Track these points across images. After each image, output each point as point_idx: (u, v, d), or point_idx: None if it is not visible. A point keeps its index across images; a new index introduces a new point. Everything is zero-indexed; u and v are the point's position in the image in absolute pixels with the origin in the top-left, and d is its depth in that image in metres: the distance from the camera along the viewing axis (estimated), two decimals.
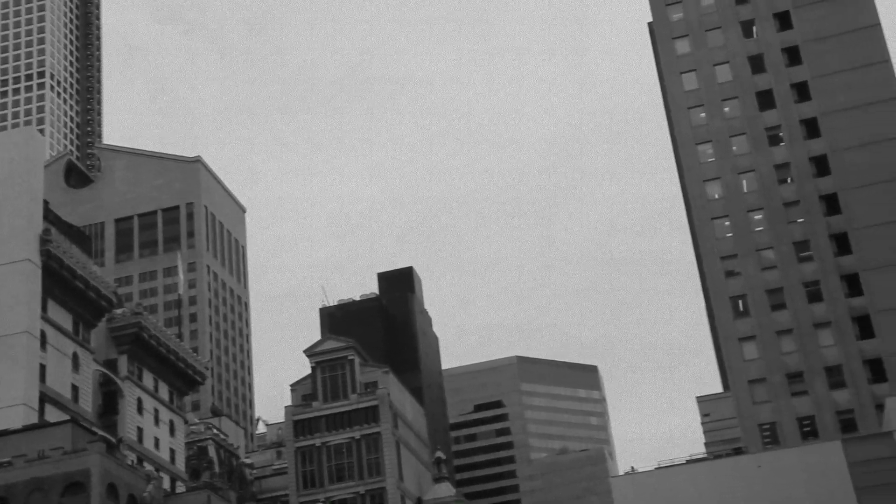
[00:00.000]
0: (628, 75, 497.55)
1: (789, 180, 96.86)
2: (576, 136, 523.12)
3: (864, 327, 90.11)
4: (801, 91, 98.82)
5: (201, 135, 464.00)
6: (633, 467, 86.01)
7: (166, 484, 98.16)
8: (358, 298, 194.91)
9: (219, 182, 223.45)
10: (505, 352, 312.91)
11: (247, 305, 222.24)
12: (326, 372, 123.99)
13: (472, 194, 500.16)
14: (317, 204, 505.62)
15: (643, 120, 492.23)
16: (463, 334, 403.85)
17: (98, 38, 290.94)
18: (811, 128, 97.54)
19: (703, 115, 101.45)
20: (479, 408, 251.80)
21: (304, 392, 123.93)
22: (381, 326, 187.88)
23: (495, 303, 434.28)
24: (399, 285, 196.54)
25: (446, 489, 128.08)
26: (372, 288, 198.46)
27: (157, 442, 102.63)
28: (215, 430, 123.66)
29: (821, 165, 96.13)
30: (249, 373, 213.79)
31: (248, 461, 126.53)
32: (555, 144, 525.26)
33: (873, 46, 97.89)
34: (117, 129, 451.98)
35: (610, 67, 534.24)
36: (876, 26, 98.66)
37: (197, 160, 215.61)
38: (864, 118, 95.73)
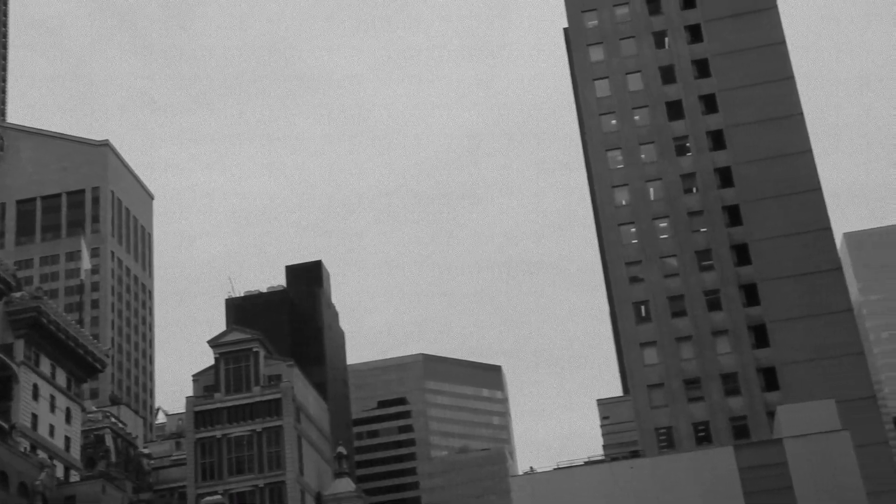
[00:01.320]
0: (542, 79, 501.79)
1: (694, 190, 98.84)
2: (486, 137, 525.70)
3: (760, 336, 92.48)
4: (709, 103, 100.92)
5: (110, 118, 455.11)
6: (532, 467, 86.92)
7: (60, 472, 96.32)
8: (265, 290, 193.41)
9: (127, 167, 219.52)
10: (410, 349, 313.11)
11: (151, 293, 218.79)
12: (230, 363, 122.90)
13: (379, 191, 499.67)
14: (225, 194, 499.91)
15: (556, 124, 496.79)
16: (369, 330, 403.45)
17: (4, 14, 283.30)
18: (717, 139, 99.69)
19: (613, 122, 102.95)
20: (382, 404, 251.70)
21: (206, 383, 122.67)
22: (288, 319, 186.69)
23: (402, 300, 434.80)
24: (307, 279, 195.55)
25: (346, 484, 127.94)
26: (280, 281, 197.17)
27: (52, 429, 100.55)
28: (113, 419, 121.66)
29: (725, 177, 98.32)
30: (151, 362, 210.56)
31: (145, 451, 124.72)
32: (467, 144, 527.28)
33: (778, 63, 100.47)
34: (23, 107, 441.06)
35: (524, 71, 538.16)
36: (781, 44, 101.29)
37: (105, 144, 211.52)
38: (767, 132, 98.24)
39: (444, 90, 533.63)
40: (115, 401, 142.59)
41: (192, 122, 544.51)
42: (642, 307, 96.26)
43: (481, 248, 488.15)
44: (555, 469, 75.73)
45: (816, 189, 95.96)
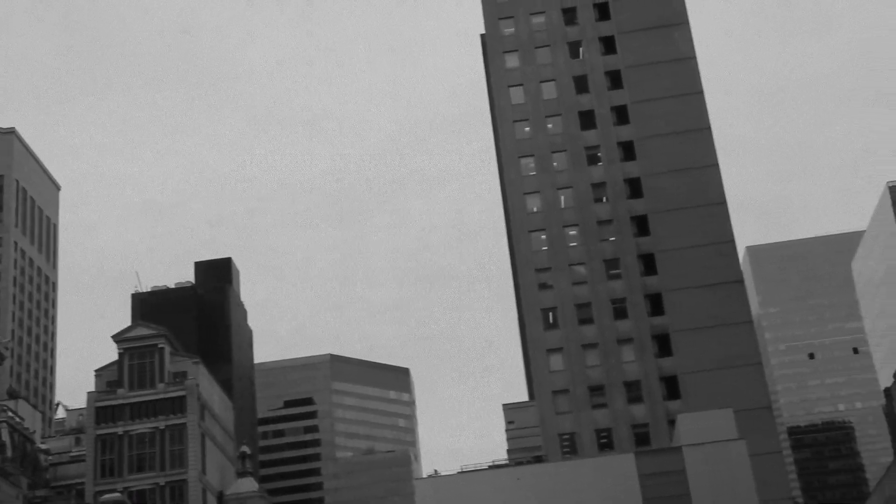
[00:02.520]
0: (460, 83, 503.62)
1: (604, 199, 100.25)
2: (403, 139, 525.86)
3: (663, 345, 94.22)
4: (621, 114, 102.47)
5: (16, 105, 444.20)
6: (436, 470, 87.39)
7: None
8: (173, 286, 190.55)
9: (33, 156, 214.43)
10: (319, 349, 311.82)
11: (55, 286, 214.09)
12: (135, 359, 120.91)
13: (291, 189, 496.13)
14: (135, 185, 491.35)
15: (472, 128, 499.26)
16: (278, 329, 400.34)
17: None
18: (628, 150, 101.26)
19: (527, 129, 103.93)
20: (288, 404, 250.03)
21: (109, 378, 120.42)
22: (195, 316, 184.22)
23: (311, 299, 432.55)
24: (216, 276, 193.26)
25: (249, 484, 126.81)
26: (189, 277, 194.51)
27: None
28: (10, 413, 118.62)
29: (634, 187, 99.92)
30: (52, 355, 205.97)
31: (43, 447, 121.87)
32: (383, 145, 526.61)
33: (688, 77, 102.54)
34: None
35: (441, 74, 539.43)
36: (692, 59, 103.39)
37: (11, 131, 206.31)
38: (676, 145, 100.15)
39: (361, 90, 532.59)
40: (13, 395, 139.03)
41: (101, 110, 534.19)
42: (550, 314, 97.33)
43: (394, 249, 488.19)
44: (459, 472, 76.18)
45: (721, 203, 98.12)
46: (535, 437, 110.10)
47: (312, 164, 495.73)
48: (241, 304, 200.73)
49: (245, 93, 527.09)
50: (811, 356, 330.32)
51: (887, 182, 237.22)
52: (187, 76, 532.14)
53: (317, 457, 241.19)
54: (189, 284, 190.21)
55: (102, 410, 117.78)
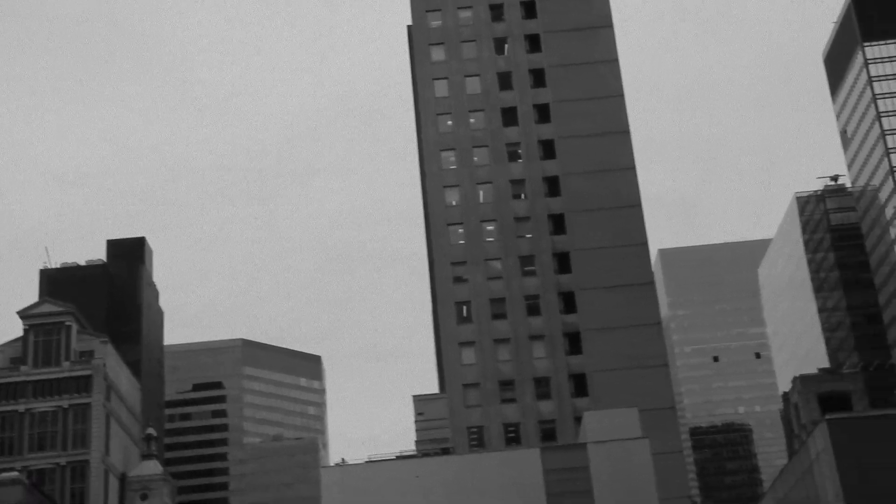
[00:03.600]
0: (386, 68, 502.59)
1: (523, 196, 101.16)
2: (324, 119, 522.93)
3: (574, 343, 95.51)
4: (543, 113, 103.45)
5: None
6: (343, 459, 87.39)
7: None
8: (83, 263, 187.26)
9: None
10: (230, 333, 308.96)
11: None
12: (40, 336, 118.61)
13: (208, 165, 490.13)
14: (48, 156, 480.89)
15: (395, 114, 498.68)
16: (190, 310, 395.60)
17: None
18: (548, 149, 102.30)
19: (449, 122, 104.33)
20: (197, 387, 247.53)
21: (13, 355, 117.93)
22: (106, 295, 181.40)
23: (224, 282, 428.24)
24: (129, 255, 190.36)
25: (153, 467, 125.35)
26: (100, 254, 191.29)
27: None
28: None
29: (552, 186, 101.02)
30: None
31: None
32: (304, 124, 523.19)
33: (610, 80, 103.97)
34: None
35: (367, 62, 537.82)
36: (614, 61, 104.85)
37: None
38: (595, 146, 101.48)
39: (283, 69, 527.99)
40: None
41: (9, 76, 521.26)
42: (464, 307, 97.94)
43: (311, 232, 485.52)
44: (366, 462, 76.30)
45: (636, 205, 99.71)
46: (444, 429, 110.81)
47: (229, 141, 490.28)
48: (152, 285, 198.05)
49: (164, 65, 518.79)
50: (715, 359, 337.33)
51: (795, 193, 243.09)
52: (105, 46, 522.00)
53: (224, 441, 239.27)
54: (100, 262, 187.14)
55: (4, 387, 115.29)
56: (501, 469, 71.29)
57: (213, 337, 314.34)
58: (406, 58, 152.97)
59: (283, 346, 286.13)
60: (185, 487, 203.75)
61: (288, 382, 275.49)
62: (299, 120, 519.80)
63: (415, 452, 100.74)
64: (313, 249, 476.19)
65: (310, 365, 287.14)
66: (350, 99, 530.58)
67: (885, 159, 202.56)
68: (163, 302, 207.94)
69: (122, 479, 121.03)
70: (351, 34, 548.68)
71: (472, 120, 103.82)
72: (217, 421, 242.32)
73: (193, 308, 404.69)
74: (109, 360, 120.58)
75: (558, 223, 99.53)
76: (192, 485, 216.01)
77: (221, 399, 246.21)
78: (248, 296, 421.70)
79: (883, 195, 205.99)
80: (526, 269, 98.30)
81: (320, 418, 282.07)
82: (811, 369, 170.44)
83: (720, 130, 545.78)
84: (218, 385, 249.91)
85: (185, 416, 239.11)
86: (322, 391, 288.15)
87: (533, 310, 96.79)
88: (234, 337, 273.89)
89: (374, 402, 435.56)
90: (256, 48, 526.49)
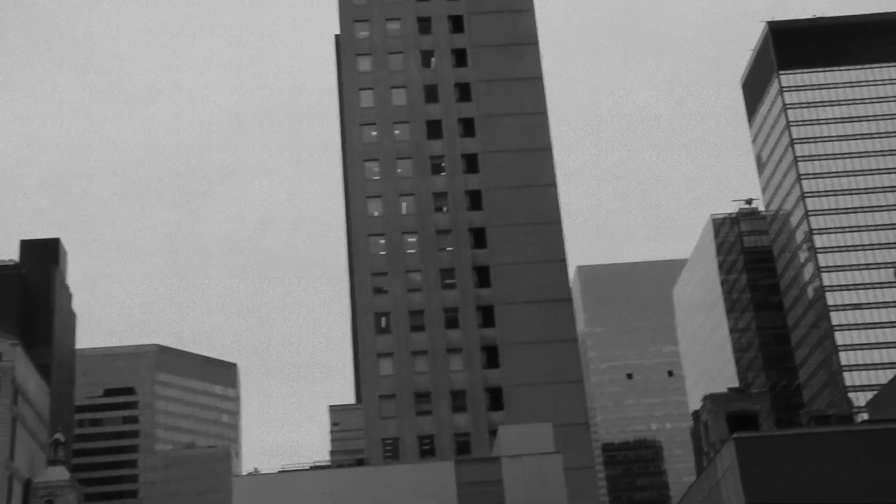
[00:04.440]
0: (312, 80, 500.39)
1: (445, 209, 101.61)
2: (247, 121, 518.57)
3: (491, 357, 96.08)
4: (467, 127, 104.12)
5: None
6: (256, 468, 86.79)
7: None
8: None
9: None
10: (145, 338, 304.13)
11: None
12: None
13: (125, 167, 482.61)
14: None
15: (319, 121, 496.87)
16: (104, 313, 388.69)
17: None
18: (471, 163, 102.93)
19: (374, 133, 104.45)
20: (109, 392, 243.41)
21: None
22: (17, 296, 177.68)
23: (140, 286, 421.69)
24: (42, 256, 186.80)
25: (60, 473, 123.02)
26: (12, 255, 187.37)
27: None
28: None
29: (475, 200, 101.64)
30: None
31: None
32: (227, 125, 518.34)
33: (534, 97, 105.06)
34: None
35: (295, 69, 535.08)
36: (539, 79, 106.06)
37: None
38: (517, 162, 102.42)
39: (209, 67, 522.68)
40: None
41: None
42: (383, 318, 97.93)
43: (232, 236, 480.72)
44: (280, 472, 75.81)
45: (556, 222, 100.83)
46: (360, 440, 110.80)
47: (149, 141, 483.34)
48: (66, 287, 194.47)
49: (83, 59, 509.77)
50: (629, 376, 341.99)
51: (711, 214, 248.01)
52: (22, 37, 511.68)
53: (134, 448, 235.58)
54: (13, 263, 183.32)
55: None
56: (415, 481, 71.39)
57: (127, 342, 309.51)
58: (333, 66, 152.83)
59: (199, 352, 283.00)
60: (92, 494, 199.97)
61: (202, 390, 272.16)
62: (222, 121, 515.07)
63: (329, 463, 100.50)
64: (233, 254, 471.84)
65: (225, 372, 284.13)
66: (275, 103, 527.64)
67: (797, 185, 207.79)
68: (76, 304, 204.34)
69: (27, 485, 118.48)
70: (279, 39, 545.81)
71: (396, 131, 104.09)
72: (128, 427, 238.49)
73: (107, 312, 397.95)
74: (18, 363, 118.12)
75: (479, 237, 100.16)
76: (100, 492, 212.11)
77: (133, 405, 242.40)
78: (165, 300, 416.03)
79: (794, 219, 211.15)
80: (446, 281, 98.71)
81: (234, 427, 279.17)
82: (721, 388, 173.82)
83: (640, 151, 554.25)
84: (130, 391, 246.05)
85: (96, 422, 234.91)
86: (237, 399, 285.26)
87: (451, 322, 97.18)
88: (148, 342, 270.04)
89: (290, 411, 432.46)
90: (181, 46, 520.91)
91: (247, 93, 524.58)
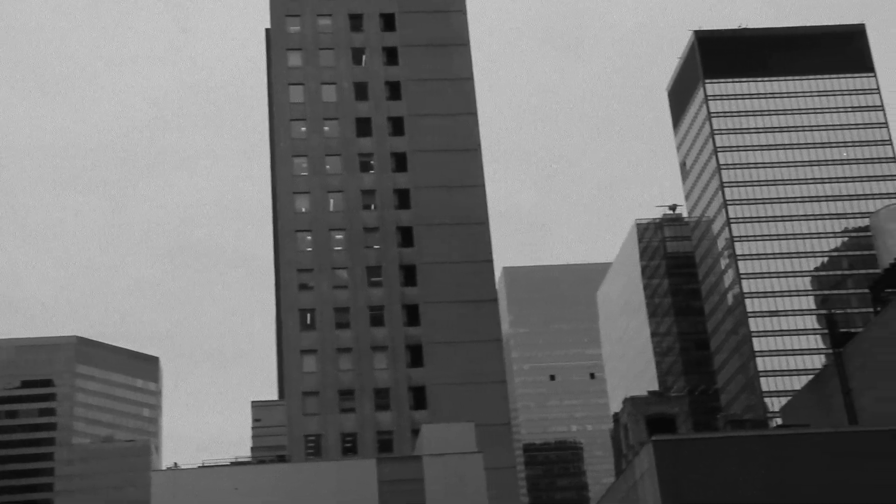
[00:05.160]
0: (242, 72, 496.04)
1: (373, 207, 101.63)
2: (173, 109, 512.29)
3: (416, 356, 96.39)
4: (397, 125, 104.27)
5: None
6: (176, 463, 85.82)
7: None
8: None
9: None
10: (64, 329, 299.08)
11: None
12: None
13: (46, 153, 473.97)
14: None
15: (248, 117, 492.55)
16: (21, 304, 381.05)
17: None
18: (400, 161, 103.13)
19: (303, 129, 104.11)
20: (26, 384, 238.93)
21: None
22: None
23: (60, 275, 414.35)
24: None
25: None
26: None
27: None
28: None
29: (403, 198, 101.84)
30: None
31: None
32: (150, 117, 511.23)
33: (464, 97, 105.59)
34: None
35: (225, 61, 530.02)
36: (469, 79, 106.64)
37: None
38: (446, 162, 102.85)
39: (137, 54, 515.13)
40: None
41: None
42: (308, 315, 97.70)
43: (156, 227, 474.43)
44: (199, 467, 75.23)
45: (483, 223, 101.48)
46: (282, 436, 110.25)
47: (72, 127, 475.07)
48: None
49: (6, 46, 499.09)
50: (552, 378, 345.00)
51: (636, 219, 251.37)
52: None
53: (51, 441, 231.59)
54: None
55: None
56: (337, 479, 71.39)
57: (45, 333, 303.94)
58: (263, 59, 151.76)
59: (120, 345, 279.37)
60: (7, 487, 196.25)
61: (123, 383, 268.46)
62: (150, 112, 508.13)
63: (250, 459, 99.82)
64: (157, 245, 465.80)
65: (146, 366, 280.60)
66: (204, 94, 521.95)
67: (720, 192, 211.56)
68: None
69: None
70: (210, 29, 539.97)
71: (325, 128, 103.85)
72: (45, 420, 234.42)
73: (27, 301, 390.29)
74: None
75: (406, 236, 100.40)
76: (15, 485, 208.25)
77: (51, 397, 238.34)
78: (86, 291, 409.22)
79: (716, 226, 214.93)
80: (372, 279, 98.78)
81: (155, 421, 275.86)
82: (642, 391, 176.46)
83: (568, 154, 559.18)
84: (48, 383, 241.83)
85: (12, 414, 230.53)
86: (158, 393, 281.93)
87: (377, 320, 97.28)
88: (68, 333, 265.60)
89: (213, 406, 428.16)
90: (110, 36, 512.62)
91: (176, 84, 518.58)
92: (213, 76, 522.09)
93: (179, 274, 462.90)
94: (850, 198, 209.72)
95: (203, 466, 75.73)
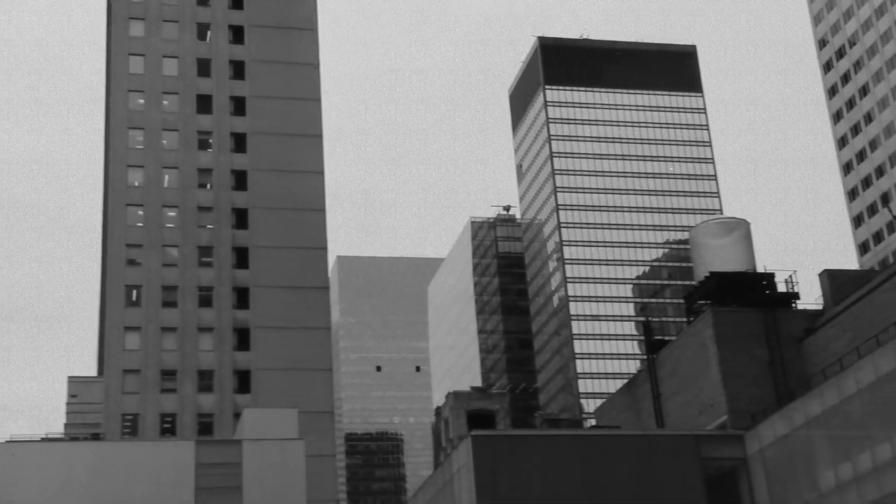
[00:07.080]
0: (81, 32, 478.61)
1: (208, 186, 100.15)
2: (4, 64, 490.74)
3: (243, 339, 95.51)
4: (239, 106, 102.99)
5: None
6: None
7: None
8: None
9: None
10: None
11: None
12: None
13: None
14: None
15: (85, 77, 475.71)
16: None
17: None
18: (239, 142, 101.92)
19: (141, 101, 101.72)
20: None
21: None
22: None
23: None
24: None
25: None
26: None
27: None
28: None
29: (240, 180, 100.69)
30: None
31: None
32: None
33: (309, 83, 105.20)
34: None
35: (62, 15, 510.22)
36: (315, 66, 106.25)
37: None
38: (286, 146, 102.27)
39: None
40: None
41: None
42: (134, 291, 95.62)
43: None
44: (7, 441, 72.69)
45: (320, 210, 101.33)
46: (98, 413, 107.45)
47: None
48: None
49: None
50: (378, 369, 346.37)
51: (470, 217, 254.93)
52: None
53: None
54: None
55: None
56: (153, 459, 70.07)
57: None
58: (104, 23, 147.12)
59: None
60: None
61: None
62: None
63: (63, 436, 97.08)
64: None
65: None
66: (39, 47, 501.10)
67: (553, 196, 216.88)
68: None
69: None
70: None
71: (165, 102, 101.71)
72: None
73: None
74: None
75: (241, 218, 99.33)
76: None
77: None
78: None
79: (547, 229, 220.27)
80: (203, 259, 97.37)
81: None
82: (466, 386, 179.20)
83: (408, 146, 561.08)
84: None
85: None
86: None
87: (205, 301, 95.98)
88: None
89: (28, 379, 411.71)
90: None
91: (9, 31, 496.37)
92: (51, 30, 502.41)
93: (1, 231, 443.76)
94: (673, 211, 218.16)
95: (11, 441, 73.18)
